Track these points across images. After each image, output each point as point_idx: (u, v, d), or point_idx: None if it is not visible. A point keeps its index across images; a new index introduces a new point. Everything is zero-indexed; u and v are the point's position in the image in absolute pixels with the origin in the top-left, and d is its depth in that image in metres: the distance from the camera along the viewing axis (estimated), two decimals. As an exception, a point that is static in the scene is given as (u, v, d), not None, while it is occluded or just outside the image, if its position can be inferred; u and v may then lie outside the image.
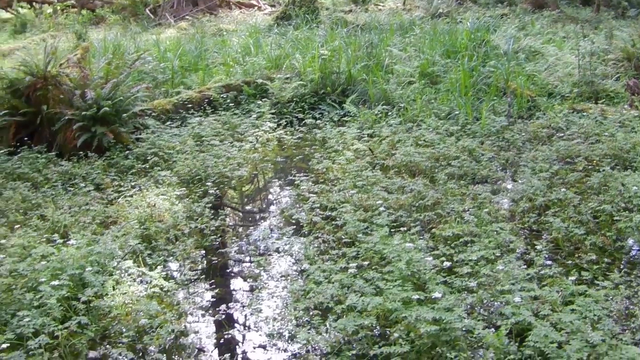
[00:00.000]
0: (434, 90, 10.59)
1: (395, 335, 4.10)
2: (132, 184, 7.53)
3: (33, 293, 4.74)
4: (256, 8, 26.07)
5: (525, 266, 4.94)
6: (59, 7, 27.25)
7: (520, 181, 6.95)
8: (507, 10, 20.23)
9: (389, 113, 9.69)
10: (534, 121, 9.05)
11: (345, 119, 9.83)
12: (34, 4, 28.55)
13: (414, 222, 5.92)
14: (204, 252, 5.96)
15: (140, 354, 4.41)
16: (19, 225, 6.35)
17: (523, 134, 8.54)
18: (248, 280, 5.48)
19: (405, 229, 5.73)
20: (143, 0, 25.47)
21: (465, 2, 22.08)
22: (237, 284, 5.55)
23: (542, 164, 7.20)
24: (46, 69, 9.03)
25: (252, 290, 5.24)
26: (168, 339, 4.52)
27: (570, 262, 5.28)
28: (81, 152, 8.39)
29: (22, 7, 28.03)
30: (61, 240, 5.69)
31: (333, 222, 6.09)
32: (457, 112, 9.27)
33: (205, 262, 5.79)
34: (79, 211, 6.61)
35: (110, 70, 9.32)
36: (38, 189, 7.44)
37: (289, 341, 4.46)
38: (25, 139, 8.81)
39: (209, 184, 7.43)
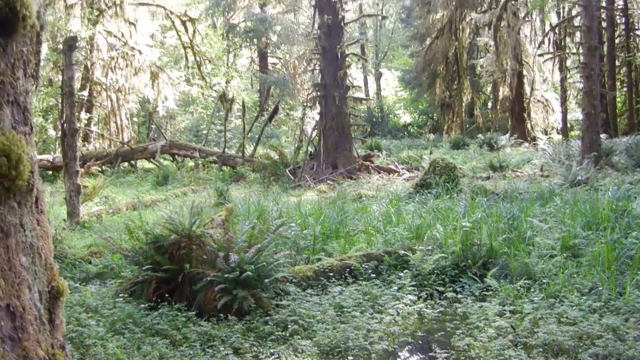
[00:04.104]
0: (575, 263, 10.57)
1: None
2: (271, 350, 7.81)
3: None
4: (395, 173, 26.92)
5: None
6: (200, 162, 29.18)
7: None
8: (646, 175, 20.29)
9: (531, 288, 9.72)
10: (680, 295, 8.84)
11: (486, 293, 9.91)
12: (176, 156, 30.81)
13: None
14: None
15: None
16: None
17: (669, 308, 8.36)
18: None
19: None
20: (284, 161, 26.85)
21: (604, 168, 22.23)
22: None
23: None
24: (191, 228, 9.72)
25: None
26: None
27: None
28: (221, 314, 8.81)
29: (164, 159, 30.25)
30: (200, 406, 5.99)
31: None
32: (600, 288, 9.21)
33: None
34: (216, 375, 6.94)
35: (254, 235, 9.89)
36: (176, 347, 7.86)
37: None
38: (166, 295, 9.36)
39: (350, 358, 7.62)
